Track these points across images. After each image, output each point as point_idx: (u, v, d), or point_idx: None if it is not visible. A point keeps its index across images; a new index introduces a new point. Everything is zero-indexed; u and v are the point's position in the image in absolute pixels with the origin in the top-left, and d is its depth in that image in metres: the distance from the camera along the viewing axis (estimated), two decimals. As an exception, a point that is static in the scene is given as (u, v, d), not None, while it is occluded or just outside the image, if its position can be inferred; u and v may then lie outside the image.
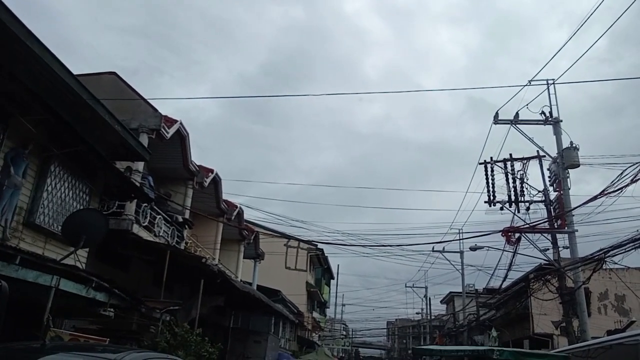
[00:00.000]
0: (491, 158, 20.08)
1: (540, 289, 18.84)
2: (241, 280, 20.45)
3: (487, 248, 19.83)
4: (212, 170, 17.12)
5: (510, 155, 19.91)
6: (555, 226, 18.32)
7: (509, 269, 18.81)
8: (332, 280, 59.38)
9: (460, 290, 45.05)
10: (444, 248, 39.11)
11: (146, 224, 12.30)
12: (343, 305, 70.49)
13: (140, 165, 12.06)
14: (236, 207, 20.36)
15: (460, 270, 38.36)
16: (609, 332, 17.59)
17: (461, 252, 38.51)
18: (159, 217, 13.16)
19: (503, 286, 23.60)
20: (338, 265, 56.72)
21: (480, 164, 20.16)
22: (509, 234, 18.34)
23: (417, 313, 54.19)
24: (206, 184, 16.43)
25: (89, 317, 9.39)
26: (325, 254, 45.86)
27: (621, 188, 12.55)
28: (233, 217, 20.07)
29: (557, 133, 18.81)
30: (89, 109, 8.41)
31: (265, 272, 31.84)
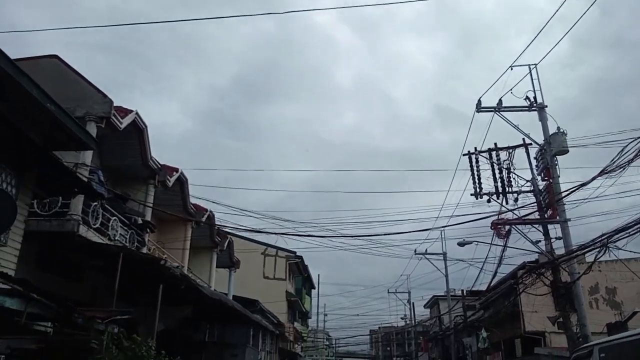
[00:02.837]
0: (475, 148, 19.03)
1: (533, 284, 17.77)
2: (215, 291, 18.86)
3: (476, 243, 18.75)
4: (176, 169, 15.62)
5: (495, 144, 18.89)
6: (546, 216, 17.36)
7: (499, 264, 17.73)
8: (313, 290, 57.84)
9: (444, 293, 44.21)
10: (426, 250, 38.22)
11: (97, 225, 10.74)
12: (325, 314, 69.00)
13: (87, 158, 10.51)
14: (206, 210, 18.81)
15: (444, 272, 37.54)
16: (609, 326, 16.56)
17: (444, 254, 37.60)
18: (113, 218, 11.61)
19: (493, 283, 22.56)
20: (319, 275, 55.31)
21: (465, 154, 19.08)
22: (498, 226, 17.28)
23: (401, 318, 52.82)
24: (170, 184, 14.91)
25: (22, 334, 7.80)
26: (305, 263, 44.44)
27: (623, 166, 11.55)
28: (204, 220, 18.52)
29: (543, 119, 17.91)
30: (9, 79, 6.91)
31: (242, 283, 30.23)
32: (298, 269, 41.10)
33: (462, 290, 30.17)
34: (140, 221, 12.73)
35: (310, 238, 12.60)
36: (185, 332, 18.52)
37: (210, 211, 19.28)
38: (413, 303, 51.97)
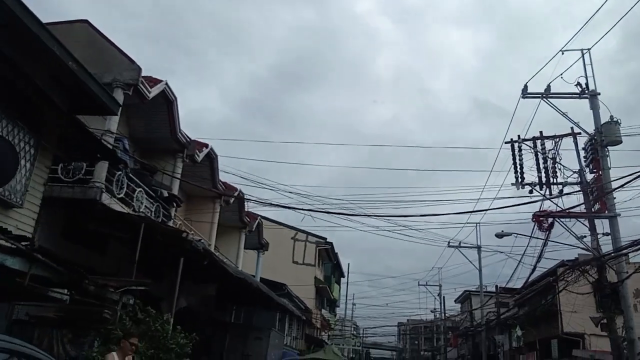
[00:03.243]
0: (518, 136, 17.98)
1: (575, 282, 16.71)
2: (241, 270, 18.57)
3: (515, 235, 17.72)
4: (206, 145, 15.28)
5: (541, 132, 17.79)
6: (593, 210, 16.24)
7: (539, 258, 16.71)
8: (342, 279, 57.41)
9: (476, 289, 42.95)
10: (459, 243, 37.15)
11: (122, 195, 10.46)
12: (353, 304, 68.50)
13: (112, 125, 10.21)
14: (235, 189, 18.49)
15: (478, 267, 36.38)
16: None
17: (478, 247, 36.43)
18: (139, 189, 11.32)
19: (530, 279, 21.49)
20: (348, 264, 54.79)
21: (507, 142, 18.09)
22: (541, 218, 16.27)
23: (431, 311, 51.81)
24: (199, 158, 14.57)
25: (36, 300, 7.57)
26: (335, 251, 43.94)
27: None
28: (232, 202, 18.21)
29: (595, 107, 16.73)
30: (28, 32, 6.56)
31: (272, 267, 30.01)
32: (328, 256, 40.66)
33: (496, 286, 29.06)
34: (166, 194, 12.42)
35: (341, 222, 11.99)
36: (210, 312, 18.35)
37: (240, 190, 18.94)
38: (444, 297, 50.87)
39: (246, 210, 20.90)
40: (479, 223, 36.14)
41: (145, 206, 11.71)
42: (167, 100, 12.55)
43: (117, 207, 10.16)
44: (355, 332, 73.30)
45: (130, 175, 11.22)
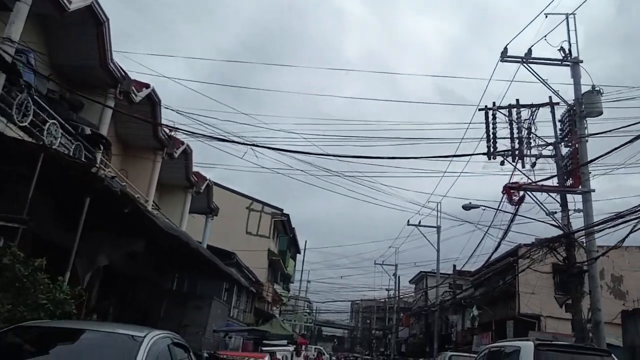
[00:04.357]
0: (494, 103, 16.74)
1: (541, 260, 15.76)
2: (177, 227, 16.72)
3: (483, 208, 16.62)
4: (147, 85, 13.24)
5: (517, 100, 16.61)
6: (567, 184, 15.25)
7: (506, 233, 15.63)
8: (298, 256, 56.20)
9: (433, 270, 42.53)
10: (419, 222, 36.37)
11: (25, 124, 8.45)
12: (308, 281, 67.64)
13: (13, 32, 8.13)
14: (182, 143, 16.56)
15: (436, 247, 35.73)
16: (625, 314, 14.71)
17: (438, 227, 35.74)
18: (52, 121, 9.31)
19: (492, 258, 20.60)
20: (305, 241, 53.45)
21: (481, 109, 16.80)
22: (512, 190, 15.16)
23: (386, 289, 51.39)
24: (136, 99, 12.56)
25: None
26: (292, 225, 42.43)
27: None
28: (176, 155, 16.28)
29: (576, 75, 15.66)
30: None
31: (224, 236, 28.21)
32: (284, 228, 39.13)
33: (454, 265, 28.35)
34: (89, 131, 10.40)
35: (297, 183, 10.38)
36: (141, 273, 16.52)
37: (188, 146, 17.02)
38: (399, 277, 50.47)
39: (193, 171, 19.00)
40: (439, 203, 35.49)
41: (61, 143, 9.72)
42: (96, 21, 10.46)
43: (17, 136, 8.16)
44: (308, 310, 72.64)
45: (42, 103, 9.19)
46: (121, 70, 11.69)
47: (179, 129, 10.75)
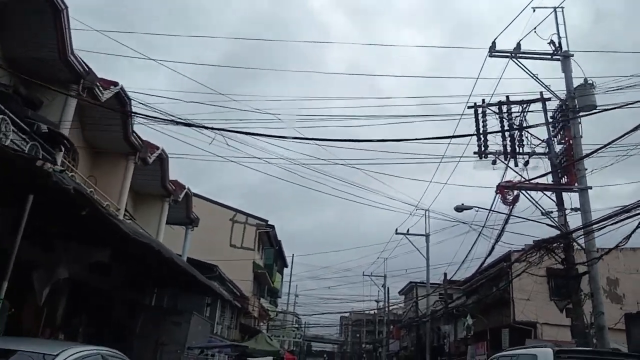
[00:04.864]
0: (483, 100, 16.13)
1: (538, 263, 15.00)
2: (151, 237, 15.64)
3: (476, 209, 15.82)
4: (115, 83, 12.29)
5: (507, 97, 16.01)
6: (563, 183, 14.58)
7: (500, 234, 14.86)
8: (285, 270, 54.95)
9: (422, 281, 41.61)
10: (408, 230, 35.60)
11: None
12: (296, 295, 66.19)
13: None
14: (157, 147, 15.59)
15: (425, 255, 34.93)
16: (629, 317, 13.94)
17: (427, 235, 35.00)
18: (1, 117, 8.32)
19: (484, 264, 19.80)
20: (293, 254, 52.21)
21: (470, 107, 16.16)
22: (505, 190, 14.44)
23: (375, 301, 50.31)
24: (103, 97, 11.59)
25: None
26: (279, 238, 41.32)
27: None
28: (151, 161, 15.28)
29: (567, 69, 15.12)
30: None
31: (206, 250, 27.06)
32: (269, 240, 37.99)
33: (445, 274, 27.51)
34: (45, 129, 9.41)
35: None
36: (125, 294, 15.42)
37: (163, 150, 16.04)
38: (388, 287, 49.47)
39: (171, 179, 17.99)
40: (427, 210, 34.77)
41: (13, 142, 8.72)
42: (53, 8, 9.55)
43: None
44: (297, 325, 71.08)
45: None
46: (84, 65, 10.73)
47: (138, 113, 9.75)
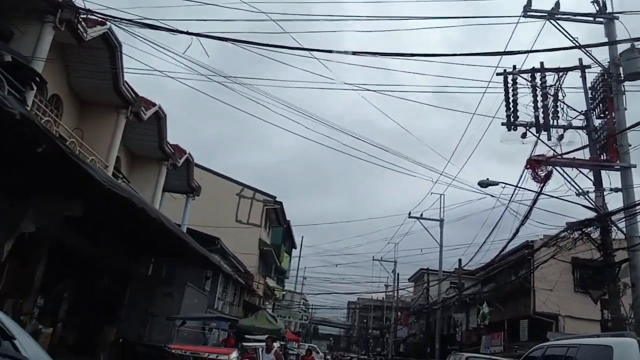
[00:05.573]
0: (514, 67, 14.49)
1: (568, 249, 13.49)
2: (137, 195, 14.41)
3: (503, 185, 14.25)
4: (102, 22, 10.93)
5: (541, 63, 14.33)
6: (602, 158, 12.97)
7: (527, 214, 13.33)
8: (294, 251, 53.84)
9: (430, 267, 40.19)
10: (421, 214, 34.13)
11: None
12: (304, 277, 65.25)
13: None
14: (154, 104, 14.30)
15: (439, 241, 33.46)
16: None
17: (441, 220, 33.48)
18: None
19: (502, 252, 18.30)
20: (302, 237, 50.90)
21: (499, 74, 14.53)
22: (537, 164, 12.87)
23: (385, 285, 49.02)
24: (87, 36, 10.27)
25: None
26: (287, 217, 40.08)
27: None
28: (145, 117, 14.00)
29: (611, 33, 13.37)
30: None
31: (212, 224, 25.88)
32: (277, 218, 36.77)
33: (459, 260, 26.01)
34: (8, 58, 8.07)
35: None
36: (115, 260, 14.30)
37: (160, 107, 14.75)
38: (398, 273, 48.11)
39: (172, 144, 16.74)
40: (442, 194, 33.21)
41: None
42: None
43: None
44: (304, 307, 70.26)
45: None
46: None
47: (94, 11, 8.31)
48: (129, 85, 12.72)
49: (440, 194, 33.30)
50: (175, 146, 17.17)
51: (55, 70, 11.53)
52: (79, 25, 9.79)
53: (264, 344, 12.43)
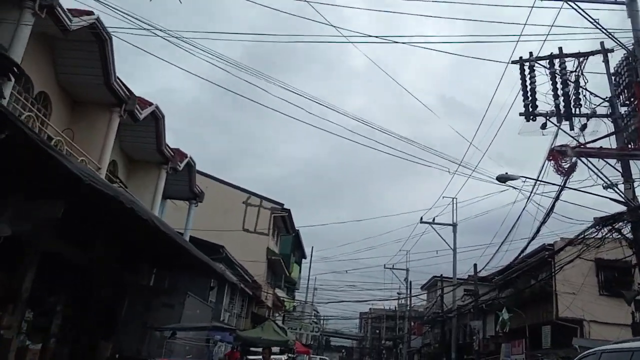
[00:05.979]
0: (530, 53, 13.63)
1: (597, 246, 12.49)
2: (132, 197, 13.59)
3: (523, 179, 13.29)
4: (89, 12, 10.25)
5: (560, 49, 13.46)
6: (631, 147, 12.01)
7: (550, 210, 12.38)
8: (304, 261, 52.77)
9: (443, 275, 38.99)
10: (434, 219, 33.13)
11: None
12: (315, 288, 64.09)
13: None
14: (151, 103, 13.57)
15: (452, 246, 32.37)
16: None
17: (454, 225, 32.44)
18: None
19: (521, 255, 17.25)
20: (312, 247, 49.86)
21: (515, 62, 13.69)
22: (560, 155, 11.94)
23: (397, 293, 47.78)
24: (70, 25, 9.56)
25: None
26: (296, 227, 39.14)
27: None
28: (142, 117, 13.25)
29: (634, 15, 12.51)
30: None
31: (218, 234, 25.06)
32: (285, 226, 35.86)
33: (475, 265, 24.94)
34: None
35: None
36: (110, 270, 13.48)
37: (157, 108, 14.02)
38: (411, 282, 46.94)
39: (172, 148, 16.00)
40: (454, 198, 32.22)
41: None
42: None
43: None
44: (315, 319, 68.96)
45: None
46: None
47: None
48: (121, 82, 12.00)
49: (453, 198, 32.33)
50: (175, 149, 16.43)
51: (43, 67, 10.85)
52: (61, 13, 9.07)
53: (279, 357, 11.50)
